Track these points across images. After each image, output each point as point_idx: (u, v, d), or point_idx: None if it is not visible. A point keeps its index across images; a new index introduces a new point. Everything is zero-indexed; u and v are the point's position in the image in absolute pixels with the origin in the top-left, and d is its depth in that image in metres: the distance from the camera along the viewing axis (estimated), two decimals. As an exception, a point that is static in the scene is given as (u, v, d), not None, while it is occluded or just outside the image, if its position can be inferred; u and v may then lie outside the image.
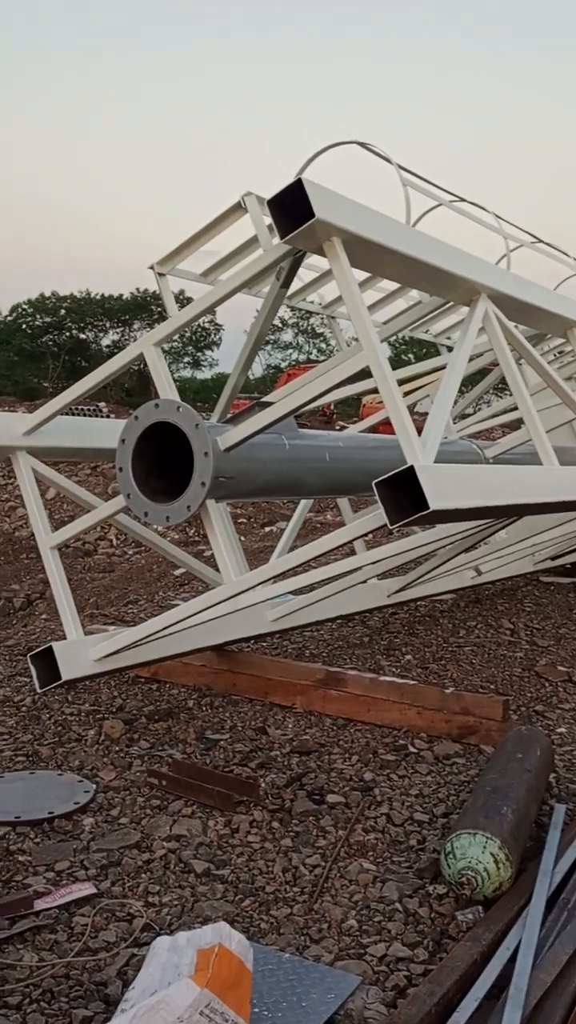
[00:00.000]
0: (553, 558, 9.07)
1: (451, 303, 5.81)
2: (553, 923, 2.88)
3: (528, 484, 4.18)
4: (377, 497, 3.24)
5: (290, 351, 65.49)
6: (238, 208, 4.25)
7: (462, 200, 6.13)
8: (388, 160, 5.87)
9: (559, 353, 8.31)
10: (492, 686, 5.77)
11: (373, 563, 5.50)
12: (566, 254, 7.64)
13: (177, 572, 10.29)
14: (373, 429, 7.07)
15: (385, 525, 3.30)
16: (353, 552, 6.47)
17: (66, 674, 4.46)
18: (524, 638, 7.03)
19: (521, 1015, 2.41)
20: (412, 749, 4.58)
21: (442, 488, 3.21)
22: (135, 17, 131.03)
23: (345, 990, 2.69)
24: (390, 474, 3.20)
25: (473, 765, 4.40)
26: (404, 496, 3.18)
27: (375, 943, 2.93)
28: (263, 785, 4.08)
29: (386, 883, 3.29)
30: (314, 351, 63.02)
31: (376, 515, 3.37)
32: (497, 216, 7.01)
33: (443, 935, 2.98)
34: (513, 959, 2.69)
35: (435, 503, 3.13)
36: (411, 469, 3.16)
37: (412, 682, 5.29)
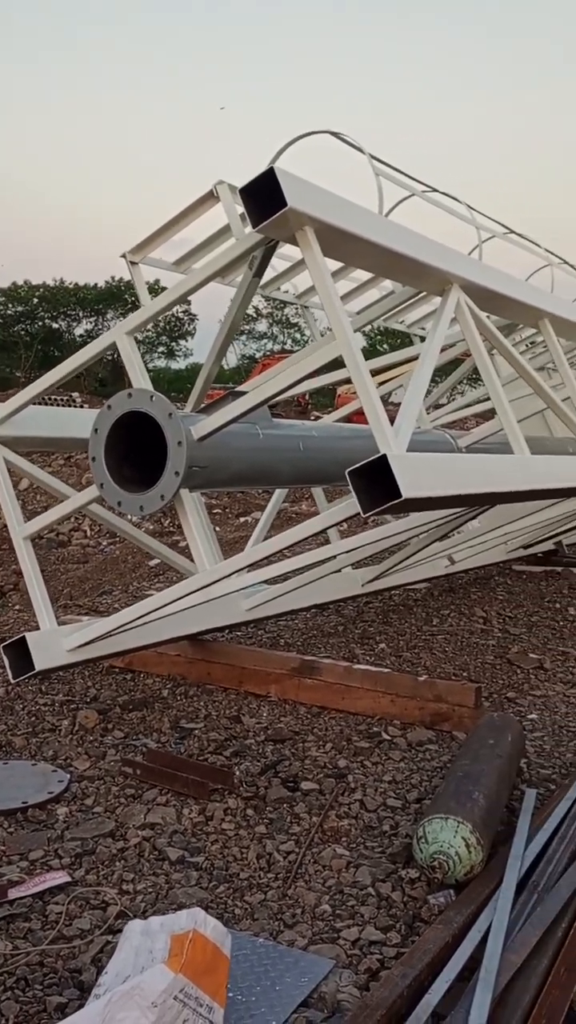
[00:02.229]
0: (526, 547, 9.16)
1: (423, 293, 5.84)
2: (523, 906, 2.92)
3: (500, 473, 4.21)
4: (350, 486, 3.25)
5: (265, 341, 65.33)
6: (210, 197, 4.24)
7: (434, 191, 6.14)
8: (360, 150, 5.87)
9: (531, 344, 8.37)
10: (465, 674, 5.83)
11: (347, 552, 5.53)
12: (537, 244, 7.68)
13: (152, 563, 10.28)
14: (348, 419, 7.09)
15: (359, 514, 3.32)
16: (327, 541, 6.50)
17: (40, 664, 4.45)
18: (496, 626, 7.09)
19: (491, 996, 2.45)
20: (386, 736, 4.61)
21: (414, 477, 3.23)
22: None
23: (318, 974, 2.72)
24: (363, 463, 3.22)
25: (446, 751, 4.44)
26: (377, 485, 3.20)
27: (348, 927, 2.96)
28: (237, 773, 4.09)
29: (359, 868, 3.32)
30: (288, 341, 62.92)
31: (349, 503, 3.39)
32: (470, 207, 7.04)
33: (415, 919, 3.02)
34: (484, 941, 2.72)
35: (407, 492, 3.15)
36: (383, 458, 3.18)
37: (386, 670, 5.33)
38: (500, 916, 2.81)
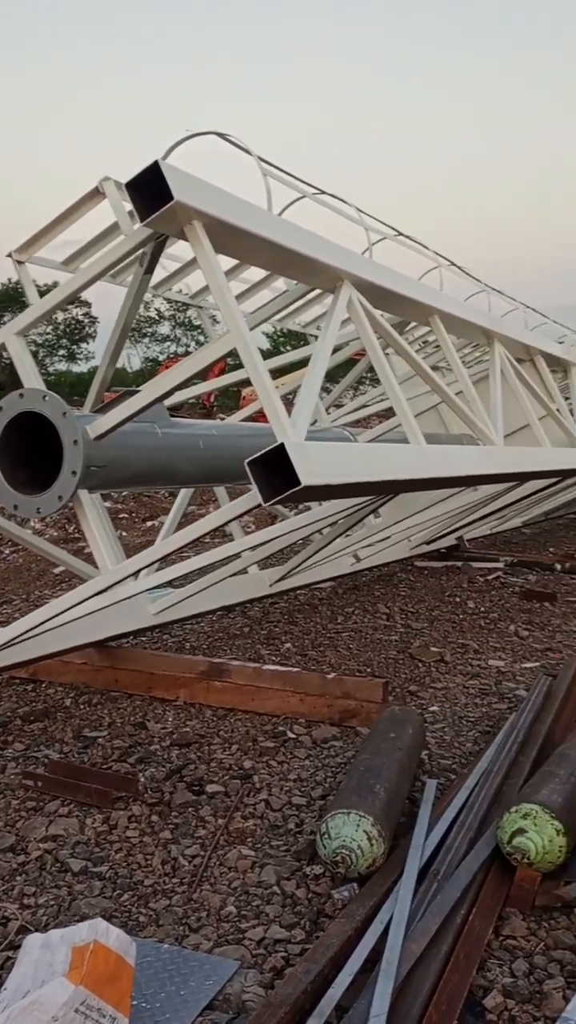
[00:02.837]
0: (428, 542, 9.34)
1: (317, 292, 5.90)
2: (424, 895, 2.98)
3: (397, 462, 4.29)
4: (250, 476, 3.26)
5: (168, 344, 64.79)
6: (96, 194, 4.19)
7: (323, 192, 6.22)
8: (248, 152, 5.88)
9: (424, 343, 8.54)
10: (368, 669, 5.90)
11: (251, 549, 5.54)
12: (426, 247, 7.85)
13: (56, 570, 10.06)
14: (252, 420, 7.10)
15: (260, 506, 3.32)
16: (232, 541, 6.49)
17: None
18: (399, 622, 7.21)
19: (392, 986, 2.49)
20: (291, 735, 4.64)
21: (313, 465, 3.25)
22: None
23: (223, 975, 2.72)
24: (261, 452, 3.22)
25: (350, 747, 4.49)
26: (276, 475, 3.21)
27: (253, 927, 2.96)
28: (142, 780, 4.05)
29: (264, 867, 3.32)
30: (192, 343, 62.55)
31: (251, 495, 3.39)
32: (359, 210, 7.14)
33: (320, 914, 3.04)
34: (386, 933, 2.77)
35: (306, 479, 3.17)
36: (281, 447, 3.19)
37: (295, 670, 5.36)
38: (401, 907, 2.86)
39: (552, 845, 3.11)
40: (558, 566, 9.79)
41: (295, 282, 5.73)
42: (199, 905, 3.12)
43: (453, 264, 8.86)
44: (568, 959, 2.78)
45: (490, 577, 9.19)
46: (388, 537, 7.79)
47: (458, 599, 8.10)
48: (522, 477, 7.51)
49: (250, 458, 3.24)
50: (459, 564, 9.65)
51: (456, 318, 6.09)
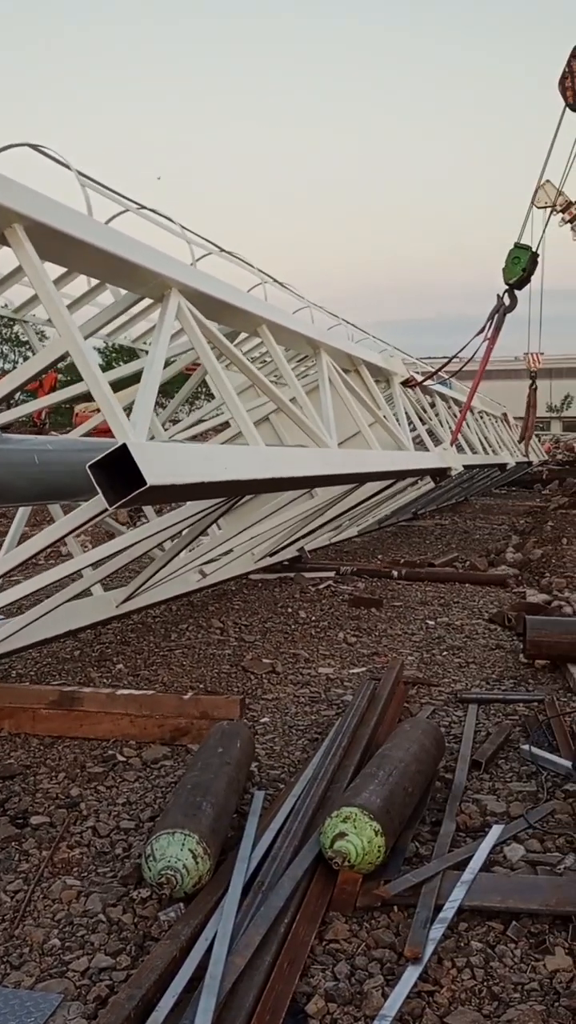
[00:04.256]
0: (272, 554, 9.45)
1: (148, 302, 5.91)
2: (249, 907, 3.01)
3: (242, 462, 4.36)
4: (93, 481, 3.21)
5: (-3, 361, 62.56)
6: None
7: (143, 208, 6.24)
8: (67, 166, 5.83)
9: (253, 359, 8.69)
10: (201, 685, 5.91)
11: (92, 567, 5.42)
12: (250, 264, 8.00)
13: None
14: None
15: (102, 514, 3.27)
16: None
17: None
18: (233, 635, 7.26)
19: (215, 1001, 2.50)
20: (120, 758, 4.58)
21: (158, 464, 3.25)
22: None
23: (46, 1011, 2.65)
24: (103, 454, 3.18)
25: (180, 766, 4.48)
26: (120, 477, 3.18)
27: (77, 958, 2.90)
28: (-39, 816, 3.89)
29: (90, 896, 3.26)
30: (20, 359, 60.71)
31: (94, 501, 3.35)
32: (183, 227, 7.20)
33: (146, 938, 3.02)
34: (211, 949, 2.78)
35: (152, 479, 3.15)
36: (124, 447, 3.16)
37: (150, 692, 5.25)
38: (225, 921, 2.88)
39: (371, 846, 3.22)
40: (395, 572, 10.15)
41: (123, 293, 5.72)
42: (21, 941, 3.02)
43: (276, 281, 9.06)
44: (387, 957, 2.88)
45: (321, 586, 9.41)
46: (231, 551, 7.83)
47: (290, 609, 8.24)
48: (357, 479, 7.76)
49: (92, 461, 3.21)
50: (291, 575, 9.82)
51: (284, 328, 6.28)
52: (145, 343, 9.14)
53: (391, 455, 8.10)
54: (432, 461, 9.90)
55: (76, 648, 6.83)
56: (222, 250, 7.47)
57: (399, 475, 9.50)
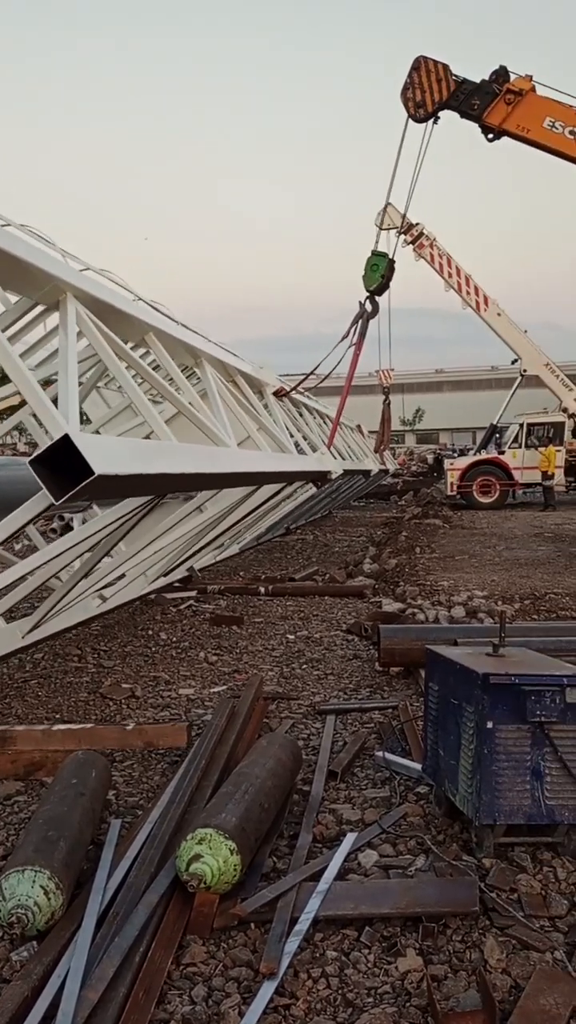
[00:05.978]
0: (165, 574, 9.32)
1: (40, 308, 5.81)
2: (104, 939, 2.96)
3: (189, 456, 4.37)
4: (36, 476, 3.10)
5: None
6: None
7: (10, 224, 6.14)
8: None
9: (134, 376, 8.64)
10: (58, 715, 5.77)
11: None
12: (125, 286, 7.97)
13: None
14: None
15: (47, 510, 3.16)
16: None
17: None
18: (91, 661, 7.14)
19: (68, 1039, 2.45)
20: (-29, 796, 4.42)
21: (103, 454, 3.17)
22: None
23: None
24: (45, 448, 3.08)
25: (35, 800, 4.36)
26: (63, 471, 3.09)
27: None
28: None
29: None
30: None
31: (38, 497, 3.22)
32: (64, 252, 7.06)
33: (-2, 981, 2.93)
34: (64, 986, 2.72)
35: (100, 467, 3.07)
36: (66, 437, 3.07)
37: (89, 725, 5.10)
38: (78, 956, 2.83)
39: (227, 865, 3.23)
40: (261, 589, 10.22)
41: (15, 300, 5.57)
42: None
43: (145, 302, 9.02)
44: (244, 975, 2.89)
45: (182, 606, 9.37)
46: (123, 575, 7.69)
47: (151, 632, 8.17)
48: (260, 479, 7.83)
49: (33, 455, 3.11)
50: (152, 596, 9.74)
51: (169, 336, 6.44)
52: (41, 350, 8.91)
53: (281, 457, 8.33)
54: (315, 464, 10.28)
55: None
56: (94, 270, 7.38)
57: (290, 477, 9.71)
